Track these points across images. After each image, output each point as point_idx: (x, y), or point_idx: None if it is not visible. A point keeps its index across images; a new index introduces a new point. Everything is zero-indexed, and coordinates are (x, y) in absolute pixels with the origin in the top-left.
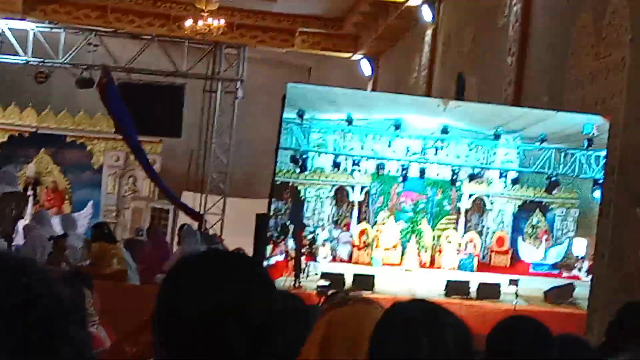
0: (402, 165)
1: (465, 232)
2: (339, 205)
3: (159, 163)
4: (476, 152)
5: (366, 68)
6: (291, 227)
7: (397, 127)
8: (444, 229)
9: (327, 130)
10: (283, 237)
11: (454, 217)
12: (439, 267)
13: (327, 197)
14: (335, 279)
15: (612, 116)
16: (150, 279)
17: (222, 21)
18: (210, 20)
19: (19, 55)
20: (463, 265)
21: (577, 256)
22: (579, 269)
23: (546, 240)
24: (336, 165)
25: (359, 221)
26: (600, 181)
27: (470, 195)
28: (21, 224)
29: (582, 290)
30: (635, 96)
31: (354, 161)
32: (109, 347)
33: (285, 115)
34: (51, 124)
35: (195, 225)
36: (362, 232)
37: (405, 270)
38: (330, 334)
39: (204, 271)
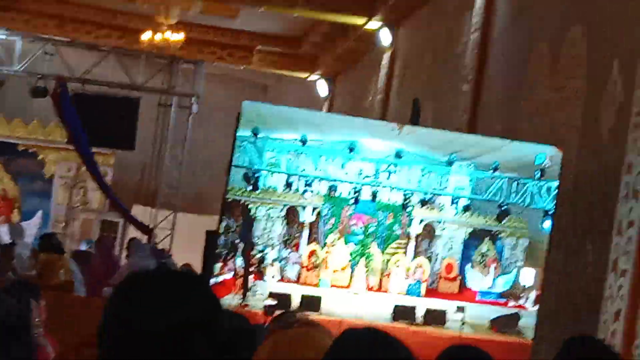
0: (355, 188)
1: (414, 257)
2: (290, 225)
3: (110, 175)
4: (429, 177)
5: (323, 89)
6: (240, 246)
7: (351, 149)
8: (393, 253)
9: (280, 150)
10: (232, 255)
11: (404, 241)
12: (386, 291)
13: (278, 216)
14: (283, 299)
15: (565, 147)
16: (97, 292)
17: (181, 35)
18: (168, 34)
19: None
20: (411, 290)
21: (525, 286)
22: (526, 299)
23: (495, 268)
24: (288, 185)
25: (308, 242)
26: (551, 212)
27: (421, 221)
28: None
29: (528, 320)
30: (589, 128)
31: (306, 182)
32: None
33: (239, 133)
34: (3, 131)
35: (144, 239)
36: (312, 253)
37: (353, 293)
38: (274, 357)
39: (163, 286)
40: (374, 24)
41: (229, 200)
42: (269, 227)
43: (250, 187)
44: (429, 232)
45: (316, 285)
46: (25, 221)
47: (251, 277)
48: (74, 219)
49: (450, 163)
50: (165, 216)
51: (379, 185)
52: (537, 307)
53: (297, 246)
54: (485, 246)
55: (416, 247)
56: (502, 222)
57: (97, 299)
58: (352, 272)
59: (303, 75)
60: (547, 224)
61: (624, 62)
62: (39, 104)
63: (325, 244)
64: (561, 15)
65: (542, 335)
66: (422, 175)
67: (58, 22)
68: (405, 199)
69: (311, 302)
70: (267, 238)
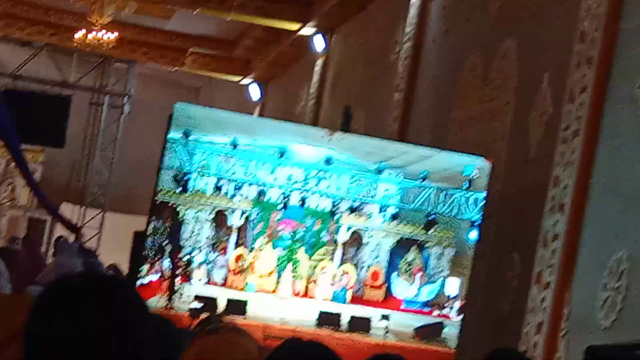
0: (284, 193)
1: (340, 264)
2: (218, 229)
3: (39, 172)
4: (358, 185)
5: (255, 93)
6: (168, 248)
7: (282, 154)
8: (320, 260)
9: (211, 153)
10: (159, 256)
11: (331, 248)
12: (312, 297)
13: (207, 219)
14: (209, 302)
15: (494, 159)
16: (23, 289)
17: (114, 35)
18: (101, 33)
19: None
20: (336, 297)
21: (449, 295)
22: (450, 308)
23: (420, 277)
24: (218, 188)
25: (236, 246)
26: (477, 223)
27: (349, 228)
28: None
29: (451, 330)
30: (517, 141)
31: (236, 185)
32: None
33: (170, 135)
34: None
35: (72, 237)
36: (239, 257)
37: (279, 298)
38: None
39: (88, 290)
40: (307, 30)
41: (158, 201)
42: (197, 229)
43: (180, 189)
44: (356, 239)
45: (242, 289)
46: None
47: (178, 280)
48: (1, 216)
49: (379, 171)
50: (94, 215)
51: (308, 191)
52: (461, 317)
53: (224, 250)
54: (411, 255)
55: (343, 254)
56: (429, 232)
57: (23, 296)
58: (278, 277)
59: (236, 78)
60: (474, 234)
61: (554, 76)
62: None
63: (252, 248)
64: (493, 28)
65: (465, 345)
66: (351, 183)
67: None
68: (333, 206)
69: (237, 306)
70: (194, 241)
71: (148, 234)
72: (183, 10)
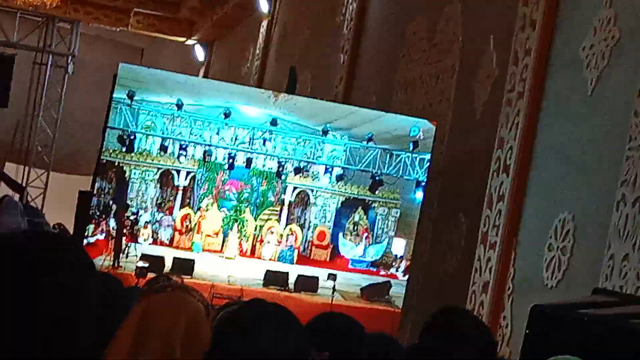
0: (229, 154)
1: (287, 224)
2: (164, 189)
3: None
4: (303, 146)
5: (200, 53)
6: (114, 207)
7: (227, 115)
8: (266, 220)
9: (156, 113)
10: (105, 216)
11: (277, 208)
12: (259, 257)
13: (152, 179)
14: (155, 262)
15: (438, 121)
16: None
17: None
18: None
19: None
20: (283, 257)
21: (396, 255)
22: (397, 268)
23: (366, 237)
24: (163, 148)
25: (182, 206)
26: (423, 184)
27: (295, 188)
28: None
29: (398, 289)
30: (463, 103)
31: (181, 146)
32: None
33: (115, 95)
34: None
35: (16, 197)
36: (185, 217)
37: (225, 257)
38: (145, 321)
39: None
40: None
41: (104, 161)
42: (142, 189)
43: (125, 149)
44: (302, 199)
45: (189, 249)
46: None
47: (124, 239)
48: None
49: (325, 132)
50: (38, 175)
51: (253, 152)
52: (407, 276)
53: (170, 210)
54: (357, 215)
55: (289, 214)
56: (375, 192)
57: None
58: (225, 237)
59: (180, 39)
60: (419, 195)
61: (499, 38)
62: None
63: (199, 208)
64: None
65: (411, 305)
66: (297, 144)
67: None
68: (279, 167)
69: (184, 266)
70: (140, 200)
71: (93, 193)
72: None
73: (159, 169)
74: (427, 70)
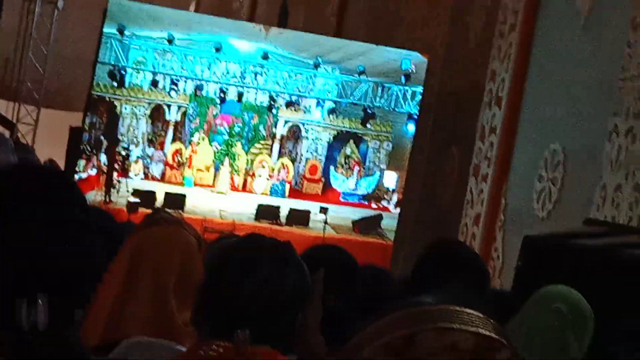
0: (221, 88)
1: (278, 158)
2: (155, 124)
3: None
4: (295, 80)
5: None
6: (105, 142)
7: (218, 49)
8: (258, 154)
9: (147, 48)
10: (96, 152)
11: (269, 142)
12: (251, 191)
13: (143, 114)
14: (147, 197)
15: (431, 55)
16: None
17: None
18: None
19: None
20: (275, 191)
21: (388, 188)
22: (388, 201)
23: (358, 171)
24: (154, 83)
25: (173, 141)
26: (415, 116)
27: (286, 122)
28: None
29: (389, 222)
30: (456, 35)
31: (172, 80)
32: None
33: (105, 30)
34: None
35: (7, 133)
36: (176, 152)
37: (217, 192)
38: (138, 256)
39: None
40: None
41: (94, 97)
42: (133, 124)
43: (116, 84)
44: (294, 133)
45: (181, 183)
46: None
47: (115, 174)
48: None
49: (316, 66)
50: (29, 111)
51: (245, 86)
52: (399, 209)
53: (162, 145)
54: (349, 148)
55: (281, 148)
56: (367, 126)
57: None
58: (216, 171)
59: None
60: (411, 127)
61: None
62: None
63: (190, 143)
64: None
65: (403, 237)
66: (289, 77)
67: None
68: (271, 100)
69: (175, 200)
70: (132, 136)
71: (84, 129)
72: None
73: (149, 103)
74: (421, 4)
